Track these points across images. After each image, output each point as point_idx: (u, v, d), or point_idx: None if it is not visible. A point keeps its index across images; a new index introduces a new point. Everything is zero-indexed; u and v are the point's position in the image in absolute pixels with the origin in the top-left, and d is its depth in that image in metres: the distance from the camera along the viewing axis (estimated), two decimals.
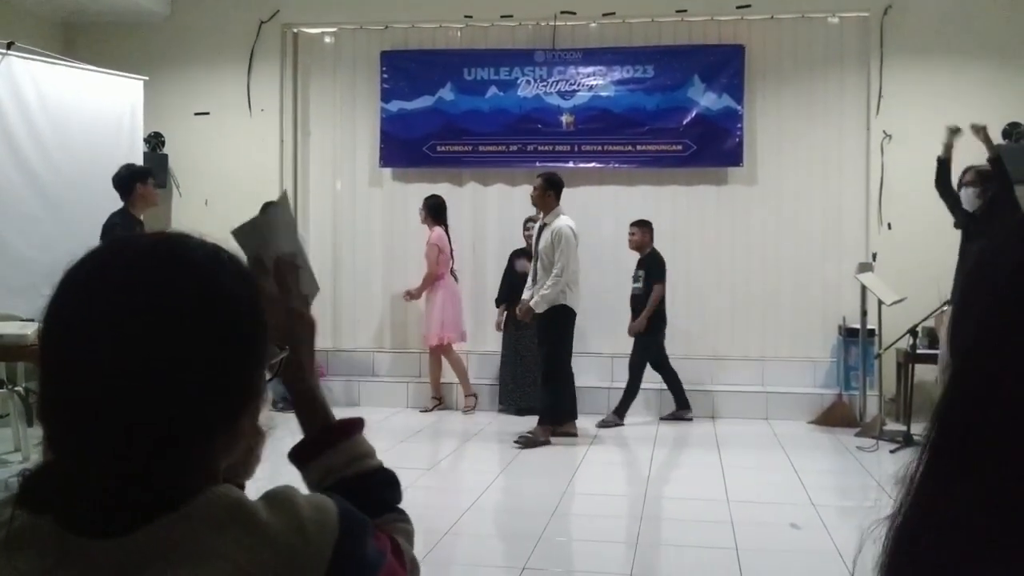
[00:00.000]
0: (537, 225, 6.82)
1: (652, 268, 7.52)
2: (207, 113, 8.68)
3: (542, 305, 6.43)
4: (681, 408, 7.54)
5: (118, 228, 5.78)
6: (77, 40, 8.71)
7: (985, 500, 0.63)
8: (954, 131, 5.92)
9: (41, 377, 0.85)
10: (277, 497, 0.86)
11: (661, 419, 7.50)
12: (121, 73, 7.60)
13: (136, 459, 0.81)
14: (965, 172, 5.66)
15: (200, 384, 0.83)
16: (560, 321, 6.49)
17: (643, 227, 7.57)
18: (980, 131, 5.74)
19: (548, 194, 6.63)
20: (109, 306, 0.83)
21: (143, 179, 6.18)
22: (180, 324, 0.83)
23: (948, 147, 5.96)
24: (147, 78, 7.81)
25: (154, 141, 8.57)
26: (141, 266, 0.86)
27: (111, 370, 0.81)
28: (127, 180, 6.11)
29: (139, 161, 7.53)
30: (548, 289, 6.42)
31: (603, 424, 7.23)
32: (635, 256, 7.61)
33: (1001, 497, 0.63)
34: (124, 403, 0.80)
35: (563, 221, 6.58)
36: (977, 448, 0.64)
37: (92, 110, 7.27)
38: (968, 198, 5.53)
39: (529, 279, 6.76)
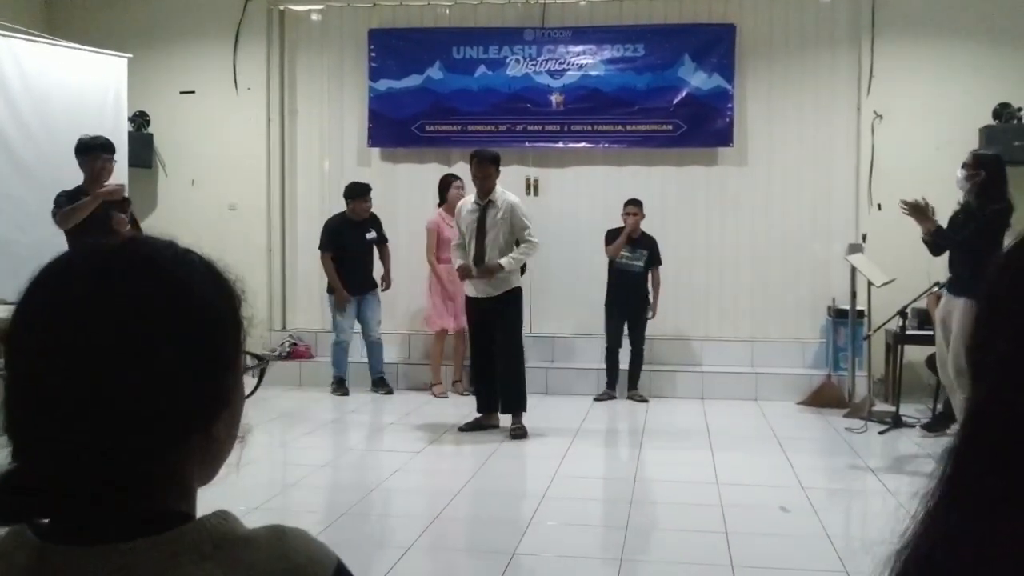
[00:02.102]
0: (470, 205, 6.34)
1: (656, 251, 7.62)
2: (192, 92, 8.58)
3: (513, 266, 6.28)
4: (611, 387, 7.65)
5: (62, 199, 5.54)
6: (60, 18, 8.59)
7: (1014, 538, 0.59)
8: (910, 207, 5.72)
9: (7, 387, 0.82)
10: (277, 536, 0.84)
11: (595, 399, 7.54)
12: (105, 51, 7.50)
13: (107, 468, 0.79)
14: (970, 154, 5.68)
15: (172, 391, 0.81)
16: (519, 303, 6.40)
17: (630, 206, 7.58)
18: (916, 208, 5.62)
19: (496, 172, 6.37)
20: (76, 314, 0.80)
21: (82, 151, 5.71)
22: (150, 330, 0.80)
23: (922, 221, 5.72)
24: (131, 56, 7.71)
25: (139, 120, 8.47)
26: (108, 271, 0.83)
27: (79, 379, 0.79)
28: (76, 152, 5.73)
29: (123, 141, 7.44)
30: (523, 254, 6.31)
31: (631, 397, 7.56)
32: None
33: None
34: (93, 413, 0.78)
35: (513, 196, 6.43)
36: (1009, 484, 0.61)
37: (75, 89, 7.18)
38: (959, 179, 5.53)
39: (472, 260, 6.23)
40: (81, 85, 7.20)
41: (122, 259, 0.84)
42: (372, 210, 7.84)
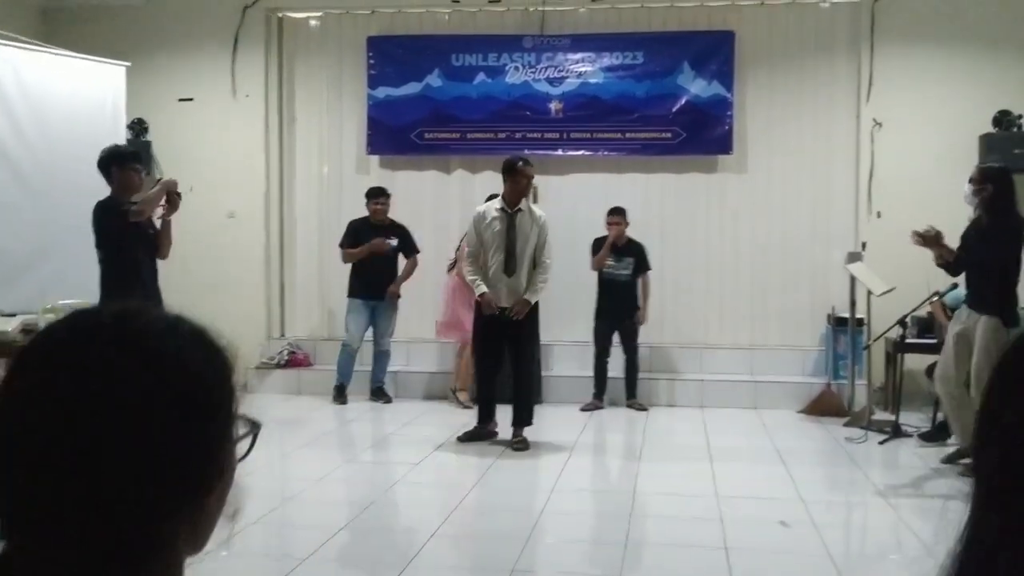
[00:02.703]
0: (495, 212, 6.18)
1: (644, 258, 7.58)
2: (191, 99, 8.57)
3: (538, 297, 6.32)
4: (599, 397, 7.60)
5: (104, 220, 5.43)
6: (57, 26, 8.57)
7: None
8: (922, 237, 5.71)
9: None
10: None
11: (581, 409, 7.48)
12: (103, 59, 7.47)
13: (95, 544, 0.78)
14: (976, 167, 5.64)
15: (163, 468, 0.79)
16: (537, 316, 6.37)
17: (624, 215, 7.57)
18: (928, 240, 5.58)
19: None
20: (63, 389, 0.79)
21: (119, 162, 5.59)
22: (140, 406, 0.79)
23: (937, 248, 5.68)
24: (129, 64, 7.67)
25: (137, 128, 8.45)
26: (96, 347, 0.81)
27: (65, 456, 0.77)
28: (104, 162, 5.60)
29: None
30: (544, 282, 6.31)
31: (631, 406, 7.52)
32: None
33: None
34: (80, 491, 0.77)
35: (541, 210, 6.43)
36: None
37: (73, 97, 7.15)
38: (967, 194, 5.47)
39: (501, 271, 6.15)
40: (79, 94, 7.18)
41: (112, 332, 0.83)
42: (401, 222, 7.84)
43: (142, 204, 5.48)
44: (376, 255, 7.64)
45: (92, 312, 0.87)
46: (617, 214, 7.57)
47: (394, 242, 7.74)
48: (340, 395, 7.75)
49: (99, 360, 0.80)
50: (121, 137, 7.53)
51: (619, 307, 7.53)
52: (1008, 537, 0.65)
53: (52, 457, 0.77)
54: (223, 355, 0.89)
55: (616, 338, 7.60)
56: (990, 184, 5.41)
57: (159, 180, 5.68)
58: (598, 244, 7.62)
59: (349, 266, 7.87)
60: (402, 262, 7.88)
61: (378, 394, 7.78)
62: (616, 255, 7.55)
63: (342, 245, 7.79)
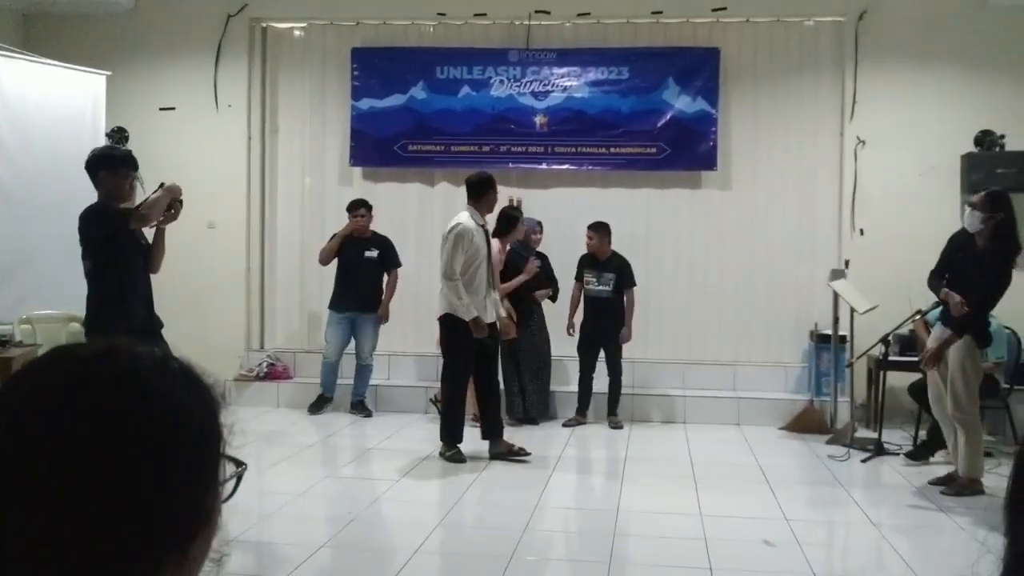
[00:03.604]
0: (476, 227, 6.13)
1: (628, 274, 7.51)
2: (173, 108, 8.49)
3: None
4: (582, 413, 7.57)
5: (93, 228, 4.89)
6: (38, 33, 8.50)
7: None
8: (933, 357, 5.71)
9: None
10: None
11: (563, 424, 7.46)
12: (83, 68, 7.40)
13: None
14: (977, 193, 5.60)
15: (148, 513, 0.76)
16: None
17: (602, 230, 7.51)
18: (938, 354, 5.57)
19: None
20: (46, 428, 0.75)
21: (110, 166, 5.02)
22: (127, 447, 0.76)
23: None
24: (110, 73, 7.61)
25: (117, 136, 8.34)
26: (84, 383, 0.78)
27: (46, 501, 0.74)
28: (93, 164, 5.06)
29: None
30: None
31: (610, 423, 7.46)
32: None
33: None
34: (63, 536, 0.73)
35: None
36: None
37: (53, 106, 7.07)
38: (971, 220, 5.44)
39: (487, 285, 6.16)
40: (59, 102, 7.10)
41: (99, 370, 0.80)
42: (384, 234, 7.82)
43: (146, 210, 4.94)
44: (356, 264, 7.56)
45: (76, 349, 0.84)
46: (592, 229, 7.51)
47: (373, 253, 7.69)
48: (317, 406, 7.72)
49: (84, 402, 0.77)
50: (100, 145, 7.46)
51: (601, 324, 7.47)
52: None
53: (33, 502, 0.74)
54: (211, 394, 0.86)
55: (603, 354, 7.56)
56: (1000, 212, 5.37)
57: (162, 185, 5.09)
58: (584, 260, 7.59)
59: (331, 278, 7.80)
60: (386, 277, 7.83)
61: (358, 408, 7.71)
62: (597, 270, 7.51)
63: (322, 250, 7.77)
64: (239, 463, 0.89)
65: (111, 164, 5.04)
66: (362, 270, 7.65)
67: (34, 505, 0.73)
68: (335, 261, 7.78)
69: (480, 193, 6.23)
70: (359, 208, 7.74)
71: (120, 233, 4.93)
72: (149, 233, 5.15)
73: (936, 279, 5.65)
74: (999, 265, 5.30)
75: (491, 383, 6.31)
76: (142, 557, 0.76)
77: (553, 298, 7.67)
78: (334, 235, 7.81)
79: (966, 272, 5.45)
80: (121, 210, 5.03)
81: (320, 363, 7.80)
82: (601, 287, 7.48)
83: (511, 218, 6.95)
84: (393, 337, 8.38)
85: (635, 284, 7.57)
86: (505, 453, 6.19)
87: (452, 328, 6.07)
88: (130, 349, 0.83)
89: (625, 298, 7.51)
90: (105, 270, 4.89)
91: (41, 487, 0.74)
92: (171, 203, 5.08)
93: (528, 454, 6.22)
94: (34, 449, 0.75)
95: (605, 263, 7.51)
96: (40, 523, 0.73)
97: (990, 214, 5.34)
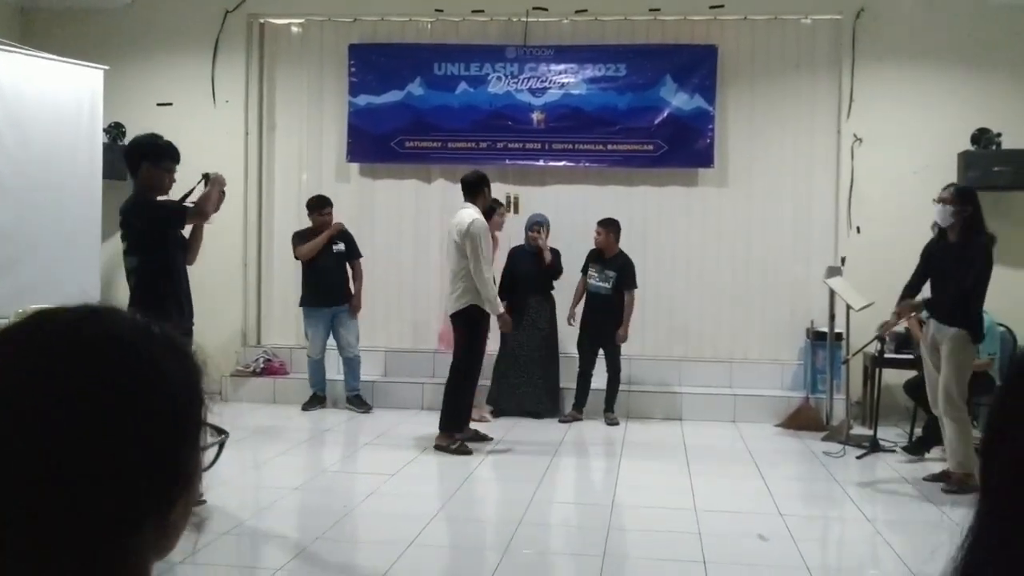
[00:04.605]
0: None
1: (628, 275, 7.52)
2: (170, 104, 8.48)
3: None
4: (579, 408, 7.58)
5: (145, 221, 4.68)
6: (35, 27, 8.48)
7: None
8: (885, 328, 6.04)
9: None
10: None
11: (559, 420, 7.47)
12: (81, 62, 7.39)
13: (59, 557, 0.74)
14: (945, 188, 5.66)
15: (129, 476, 0.76)
16: None
17: (610, 226, 7.52)
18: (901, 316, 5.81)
19: None
20: (27, 390, 0.75)
21: (153, 158, 4.79)
22: (109, 409, 0.76)
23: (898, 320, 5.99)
24: (107, 67, 7.59)
25: (115, 132, 8.36)
26: (63, 347, 0.78)
27: (27, 465, 0.73)
28: (134, 153, 4.86)
29: (98, 152, 7.33)
30: None
31: (606, 419, 7.48)
32: None
33: None
34: (42, 500, 0.73)
35: None
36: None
37: (50, 100, 7.06)
38: (943, 214, 5.50)
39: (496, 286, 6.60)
40: (56, 96, 7.09)
41: (81, 332, 0.80)
42: (345, 226, 7.78)
43: (204, 205, 4.83)
44: (323, 259, 7.61)
45: (58, 312, 0.83)
46: (600, 225, 7.55)
47: (340, 246, 7.71)
48: (311, 403, 7.76)
49: (65, 363, 0.77)
50: (98, 141, 7.46)
51: (600, 320, 7.47)
52: (1010, 547, 0.64)
53: (11, 466, 0.74)
54: (192, 361, 0.85)
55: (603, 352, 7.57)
56: (970, 206, 5.46)
57: (205, 176, 4.98)
58: (591, 255, 7.61)
59: (300, 257, 7.82)
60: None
61: (356, 402, 7.71)
62: (600, 266, 7.53)
63: (295, 245, 7.75)
64: (221, 431, 0.90)
65: (155, 156, 4.83)
66: (332, 264, 7.69)
67: (12, 464, 0.73)
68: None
69: (477, 191, 6.34)
70: (325, 207, 7.74)
71: (174, 228, 4.83)
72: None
73: (907, 294, 5.72)
74: (982, 254, 5.36)
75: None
76: (121, 519, 0.76)
77: (554, 275, 7.65)
78: (308, 230, 7.73)
79: (946, 269, 5.48)
80: (176, 205, 4.89)
81: (308, 364, 7.79)
82: (601, 283, 7.49)
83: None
84: (390, 333, 8.39)
85: (636, 286, 7.55)
86: (446, 447, 6.28)
87: (476, 322, 6.23)
88: (113, 313, 0.82)
89: (625, 298, 7.50)
90: (155, 267, 4.71)
91: (20, 446, 0.73)
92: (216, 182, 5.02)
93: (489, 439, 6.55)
94: (13, 409, 0.74)
95: (610, 260, 7.52)
96: (17, 483, 0.73)
97: (960, 207, 5.41)
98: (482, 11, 8.26)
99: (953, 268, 5.43)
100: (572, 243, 7.87)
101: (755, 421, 7.54)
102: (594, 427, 7.39)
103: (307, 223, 7.88)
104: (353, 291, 7.78)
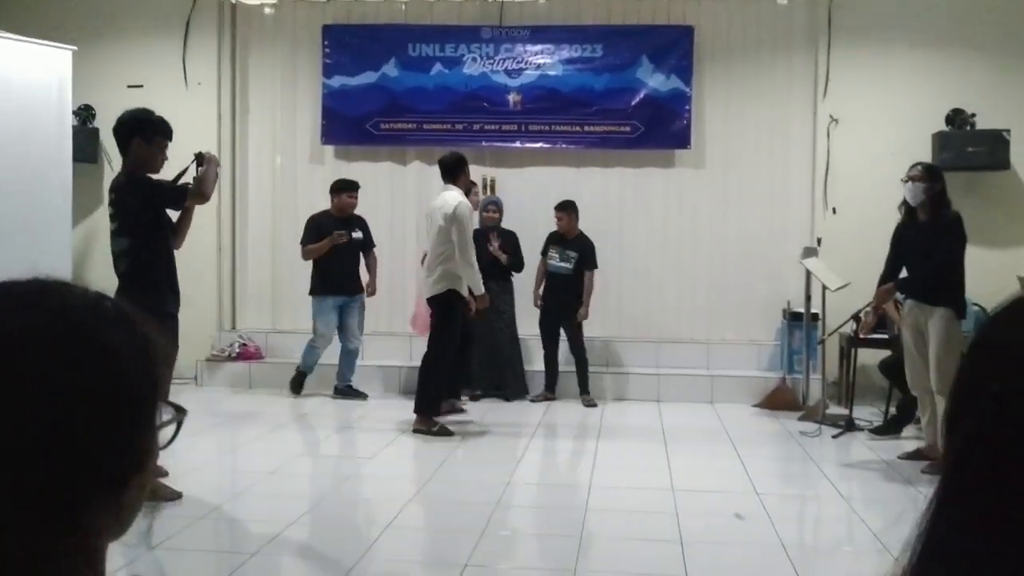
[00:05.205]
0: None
1: (589, 255, 7.54)
2: (141, 86, 8.35)
3: None
4: (551, 389, 7.61)
5: (139, 200, 4.46)
6: (1, 8, 8.31)
7: None
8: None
9: None
10: None
11: (531, 400, 7.50)
12: (48, 43, 7.25)
13: (9, 535, 0.72)
14: (913, 167, 5.66)
15: (79, 452, 0.73)
16: None
17: (570, 209, 7.52)
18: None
19: None
20: None
21: (145, 134, 4.60)
22: (59, 387, 0.73)
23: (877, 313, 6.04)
24: (76, 48, 7.46)
25: (84, 114, 8.24)
26: (9, 319, 0.75)
27: None
28: (124, 130, 4.65)
29: (68, 135, 7.22)
30: None
31: (583, 402, 7.45)
32: None
33: None
34: None
35: None
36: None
37: (17, 82, 6.92)
38: (913, 192, 5.51)
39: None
40: (23, 78, 6.95)
41: (29, 307, 0.77)
42: (320, 210, 7.65)
43: (203, 185, 4.61)
44: (339, 246, 7.37)
45: (4, 285, 0.80)
46: (560, 210, 7.52)
47: (358, 234, 7.55)
48: (298, 385, 7.57)
49: (11, 338, 0.74)
50: (68, 124, 7.33)
51: (559, 301, 7.48)
52: (969, 519, 0.64)
53: None
54: (146, 337, 0.82)
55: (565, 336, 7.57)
56: (939, 182, 5.49)
57: (199, 155, 4.76)
58: (551, 237, 7.59)
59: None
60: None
61: (351, 393, 7.54)
62: (561, 247, 7.52)
63: (304, 243, 7.46)
64: (180, 409, 0.87)
65: (146, 132, 4.61)
66: (347, 253, 7.46)
67: None
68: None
69: (458, 172, 6.28)
70: (353, 190, 7.50)
71: (174, 208, 4.61)
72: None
73: (883, 284, 5.73)
74: (957, 228, 5.38)
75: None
76: (68, 499, 0.74)
77: (517, 268, 7.63)
78: (324, 214, 7.49)
79: (920, 249, 5.48)
80: (173, 184, 4.66)
81: (305, 347, 7.55)
82: (563, 264, 7.50)
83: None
84: (366, 316, 8.33)
85: (596, 267, 7.57)
86: (426, 431, 6.24)
87: (452, 307, 6.17)
88: (62, 287, 0.80)
89: (585, 278, 7.51)
90: (145, 250, 4.52)
91: None
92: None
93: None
94: None
95: (571, 242, 7.52)
96: None
97: (930, 184, 5.43)
98: None
99: (927, 246, 5.44)
100: (550, 225, 7.83)
101: (732, 402, 7.57)
102: (570, 408, 7.39)
103: (280, 207, 7.79)
104: (369, 280, 7.61)
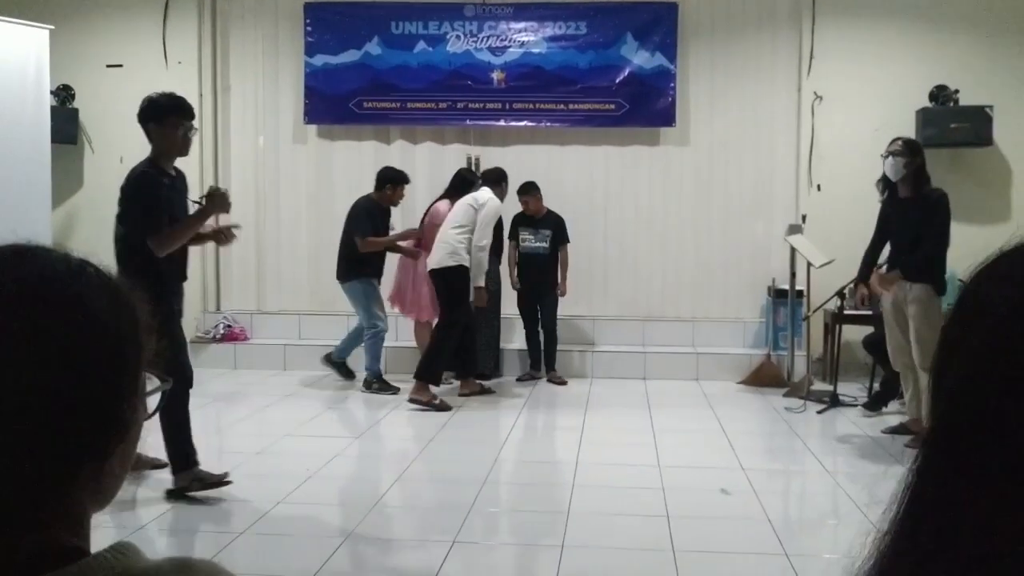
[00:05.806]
0: None
1: (563, 231, 7.53)
2: (120, 65, 8.27)
3: None
4: (535, 367, 7.62)
5: (144, 197, 4.28)
6: None
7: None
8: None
9: None
10: (182, 570, 0.76)
11: (517, 379, 7.52)
12: (24, 22, 7.15)
13: None
14: (893, 142, 5.65)
15: (63, 422, 0.72)
16: None
17: (536, 191, 7.49)
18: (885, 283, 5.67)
19: None
20: None
21: (156, 117, 4.37)
22: (42, 353, 0.72)
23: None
24: (53, 27, 7.36)
25: (63, 94, 8.14)
26: None
27: None
28: (140, 118, 4.42)
29: (46, 115, 7.14)
30: None
31: (550, 380, 7.49)
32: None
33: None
34: None
35: None
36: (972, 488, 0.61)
37: None
38: (894, 166, 5.50)
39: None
40: None
41: (9, 273, 0.75)
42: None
43: (184, 229, 4.44)
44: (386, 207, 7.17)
45: None
46: (523, 194, 7.44)
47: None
48: (383, 385, 6.99)
49: None
50: (46, 104, 7.25)
51: (537, 280, 7.48)
52: (949, 485, 0.63)
53: None
54: (131, 304, 0.81)
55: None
56: (919, 157, 5.48)
57: (215, 190, 4.72)
58: (518, 219, 7.55)
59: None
60: None
61: (342, 369, 7.37)
62: (533, 227, 7.50)
63: (364, 233, 7.01)
64: (164, 378, 0.86)
65: (156, 114, 4.37)
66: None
67: None
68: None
69: (498, 185, 6.85)
70: (405, 183, 7.23)
71: (132, 230, 4.36)
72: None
73: (866, 263, 5.72)
74: (942, 204, 5.38)
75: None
76: (53, 466, 0.73)
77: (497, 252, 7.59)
78: (376, 205, 7.15)
79: (906, 225, 5.47)
80: (156, 211, 4.36)
81: (368, 342, 7.08)
82: (539, 243, 7.48)
83: (468, 181, 7.07)
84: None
85: (568, 241, 7.56)
86: (426, 403, 6.38)
87: (460, 280, 6.45)
88: (46, 252, 0.79)
89: (560, 255, 7.50)
90: (148, 251, 4.31)
91: None
92: (225, 230, 4.72)
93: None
94: None
95: (541, 220, 7.50)
96: None
97: (911, 158, 5.42)
98: None
99: (913, 223, 5.45)
100: None
101: (718, 379, 7.60)
102: (556, 387, 7.40)
103: (263, 187, 7.68)
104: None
